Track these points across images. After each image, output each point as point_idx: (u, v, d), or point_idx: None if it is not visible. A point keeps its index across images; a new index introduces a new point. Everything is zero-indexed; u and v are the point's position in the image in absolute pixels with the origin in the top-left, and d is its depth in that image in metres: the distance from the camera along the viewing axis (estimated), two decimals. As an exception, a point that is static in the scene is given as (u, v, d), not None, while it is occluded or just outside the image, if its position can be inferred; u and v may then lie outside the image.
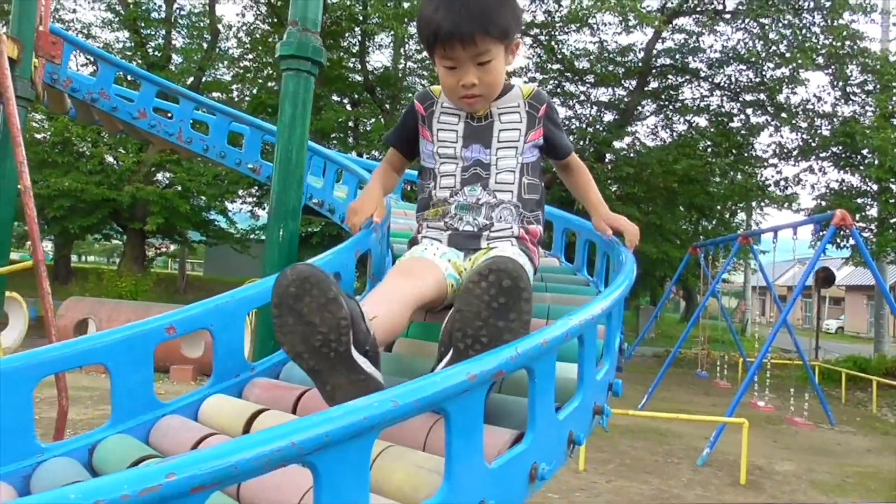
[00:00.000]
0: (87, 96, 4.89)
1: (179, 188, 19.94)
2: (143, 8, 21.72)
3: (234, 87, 21.36)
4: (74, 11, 23.15)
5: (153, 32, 21.99)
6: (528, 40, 17.02)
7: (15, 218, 4.54)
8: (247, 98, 19.94)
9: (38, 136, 18.79)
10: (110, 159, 20.51)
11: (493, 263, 1.16)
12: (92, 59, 5.35)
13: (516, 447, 1.00)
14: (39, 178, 16.96)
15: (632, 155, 17.38)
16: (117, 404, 1.34)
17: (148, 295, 17.33)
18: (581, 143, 17.26)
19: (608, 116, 18.91)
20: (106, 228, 23.52)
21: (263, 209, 23.17)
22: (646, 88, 18.18)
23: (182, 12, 22.54)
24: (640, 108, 18.70)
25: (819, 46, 15.14)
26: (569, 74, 18.17)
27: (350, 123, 19.62)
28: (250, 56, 20.79)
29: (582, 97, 18.82)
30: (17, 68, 4.08)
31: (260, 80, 19.87)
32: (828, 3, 14.72)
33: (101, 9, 22.13)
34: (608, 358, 1.35)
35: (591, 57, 18.00)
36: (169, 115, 5.27)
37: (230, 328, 1.50)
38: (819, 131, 16.45)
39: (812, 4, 15.33)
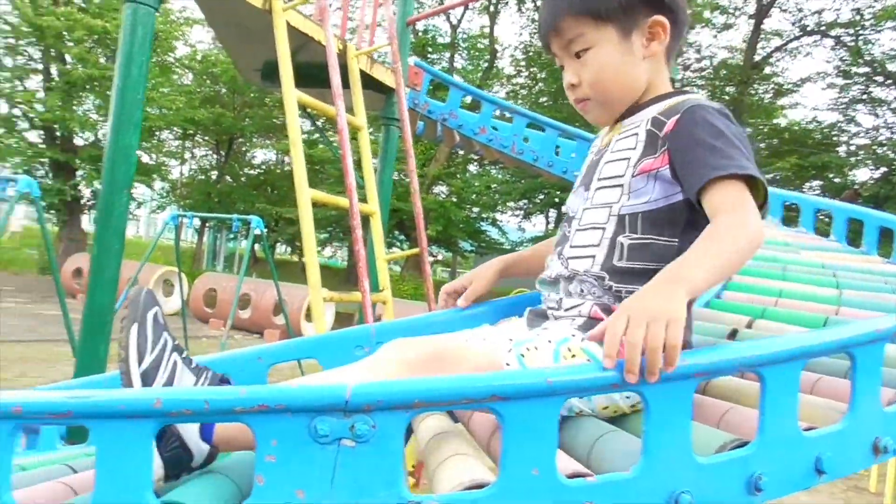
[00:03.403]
0: (440, 117, 5.79)
1: (455, 199, 21.63)
2: (431, 35, 24.06)
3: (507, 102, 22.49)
4: (371, 43, 26.31)
5: (438, 56, 24.24)
6: (829, 42, 15.33)
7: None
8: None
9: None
10: (396, 175, 22.88)
11: None
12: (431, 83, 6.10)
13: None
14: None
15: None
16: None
17: (425, 298, 18.97)
18: (892, 154, 15.06)
19: (929, 126, 16.23)
20: (390, 237, 26.30)
21: (531, 223, 24.14)
22: None
23: (464, 35, 24.49)
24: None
25: None
26: (879, 78, 15.97)
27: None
28: (525, 73, 21.70)
29: (895, 104, 16.43)
30: (394, 95, 5.06)
31: (531, 96, 20.64)
32: None
33: (396, 38, 24.92)
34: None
35: (910, 57, 15.62)
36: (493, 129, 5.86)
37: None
38: None
39: None
